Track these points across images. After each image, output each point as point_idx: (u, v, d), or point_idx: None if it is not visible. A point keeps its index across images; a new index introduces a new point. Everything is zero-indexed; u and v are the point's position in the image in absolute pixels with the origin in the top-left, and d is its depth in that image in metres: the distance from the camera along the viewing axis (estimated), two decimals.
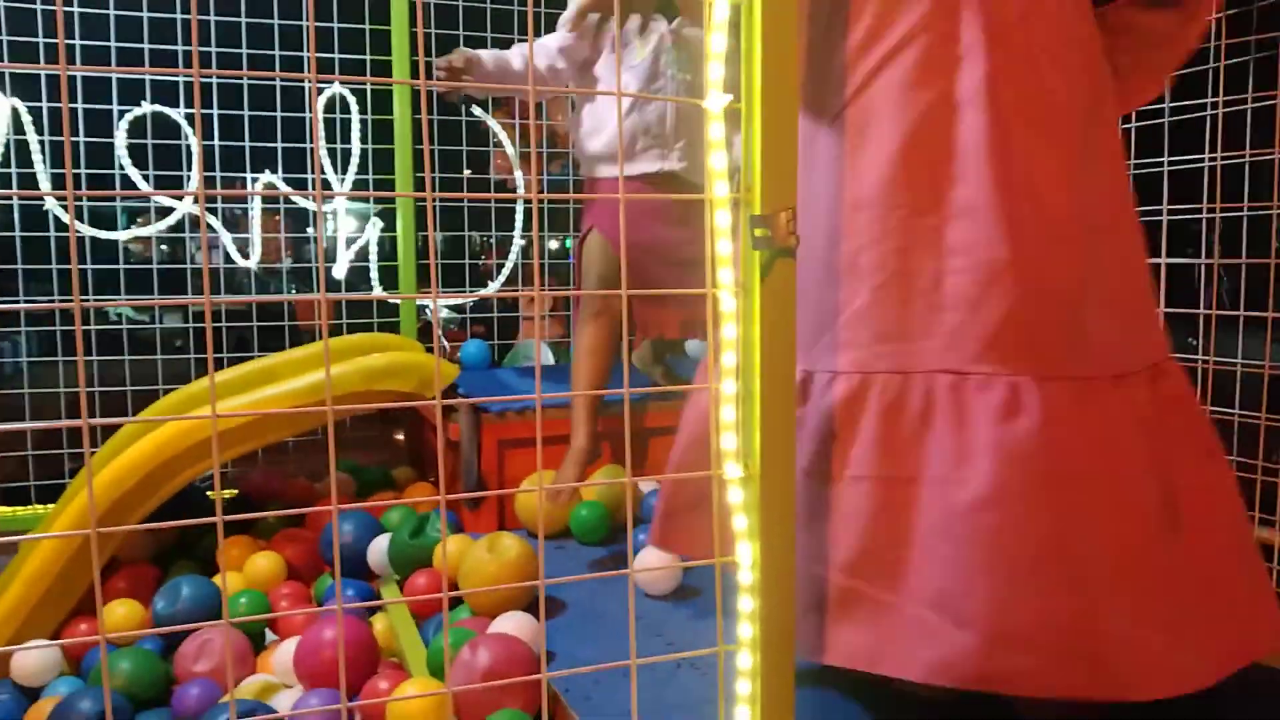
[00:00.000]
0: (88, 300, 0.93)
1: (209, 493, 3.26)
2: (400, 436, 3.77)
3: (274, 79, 3.42)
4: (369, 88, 3.51)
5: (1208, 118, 2.42)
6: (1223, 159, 2.38)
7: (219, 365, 3.36)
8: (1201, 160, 2.43)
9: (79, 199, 3.32)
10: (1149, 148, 2.52)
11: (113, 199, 3.45)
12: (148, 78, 3.31)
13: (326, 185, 3.46)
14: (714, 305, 1.10)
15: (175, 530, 2.91)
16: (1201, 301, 2.42)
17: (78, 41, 3.24)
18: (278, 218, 3.91)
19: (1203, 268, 2.45)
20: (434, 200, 1.01)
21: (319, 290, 1.06)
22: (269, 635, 2.48)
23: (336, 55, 3.49)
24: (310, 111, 3.45)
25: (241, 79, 3.37)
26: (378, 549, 2.54)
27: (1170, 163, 2.52)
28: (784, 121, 1.08)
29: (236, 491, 3.23)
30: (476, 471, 2.70)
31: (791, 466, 1.10)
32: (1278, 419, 2.17)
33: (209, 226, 3.40)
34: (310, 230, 3.76)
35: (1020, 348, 1.29)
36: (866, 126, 1.40)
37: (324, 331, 1.00)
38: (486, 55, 2.47)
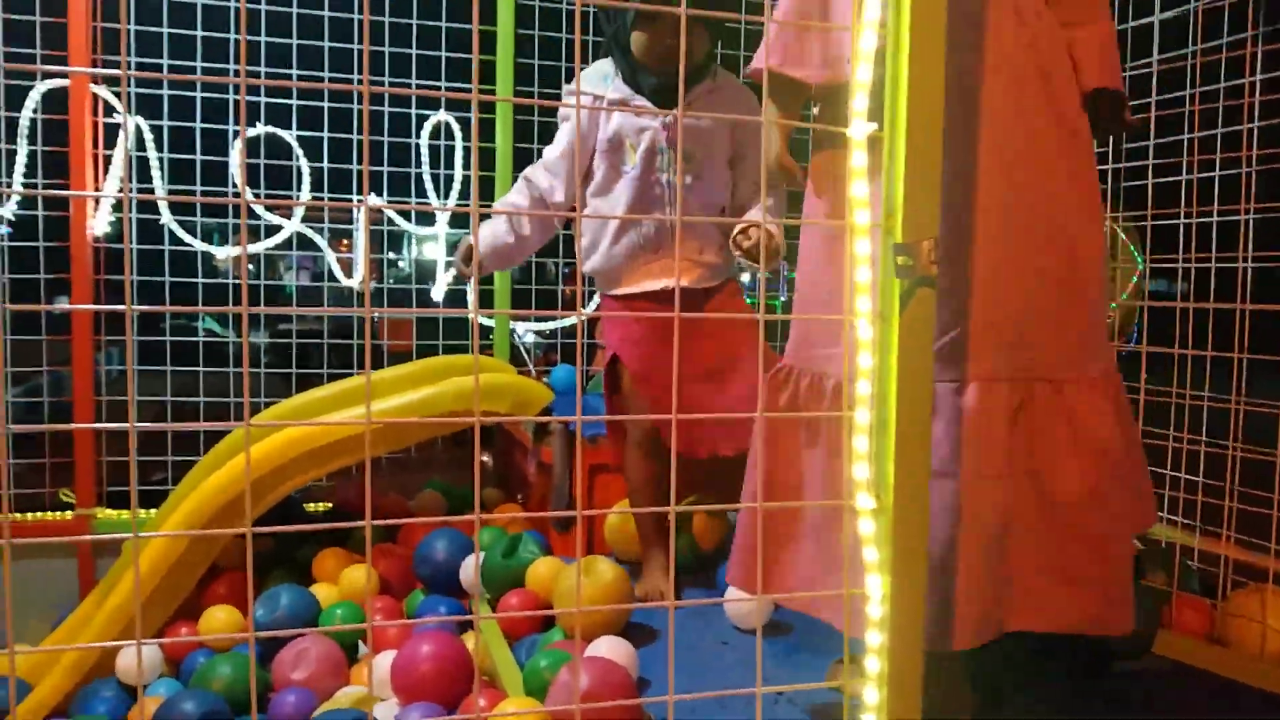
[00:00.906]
0: (255, 309, 0.96)
1: (306, 504, 3.34)
2: (488, 459, 3.81)
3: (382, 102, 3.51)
4: (474, 116, 3.58)
5: None
6: None
7: (319, 381, 3.44)
8: None
9: (190, 214, 3.44)
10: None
11: (223, 217, 3.56)
12: (262, 101, 3.43)
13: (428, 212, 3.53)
14: (851, 333, 1.10)
15: (272, 540, 2.98)
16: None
17: (198, 63, 3.37)
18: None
19: None
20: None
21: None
22: (362, 647, 2.51)
23: (443, 83, 3.58)
24: (415, 138, 3.54)
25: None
26: (469, 568, 2.56)
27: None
28: (928, 151, 1.07)
29: (331, 505, 3.29)
30: (568, 495, 2.71)
31: (925, 500, 1.08)
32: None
33: (313, 246, 3.49)
34: (403, 252, 3.84)
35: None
36: None
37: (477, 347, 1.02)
38: (484, 240, 2.32)
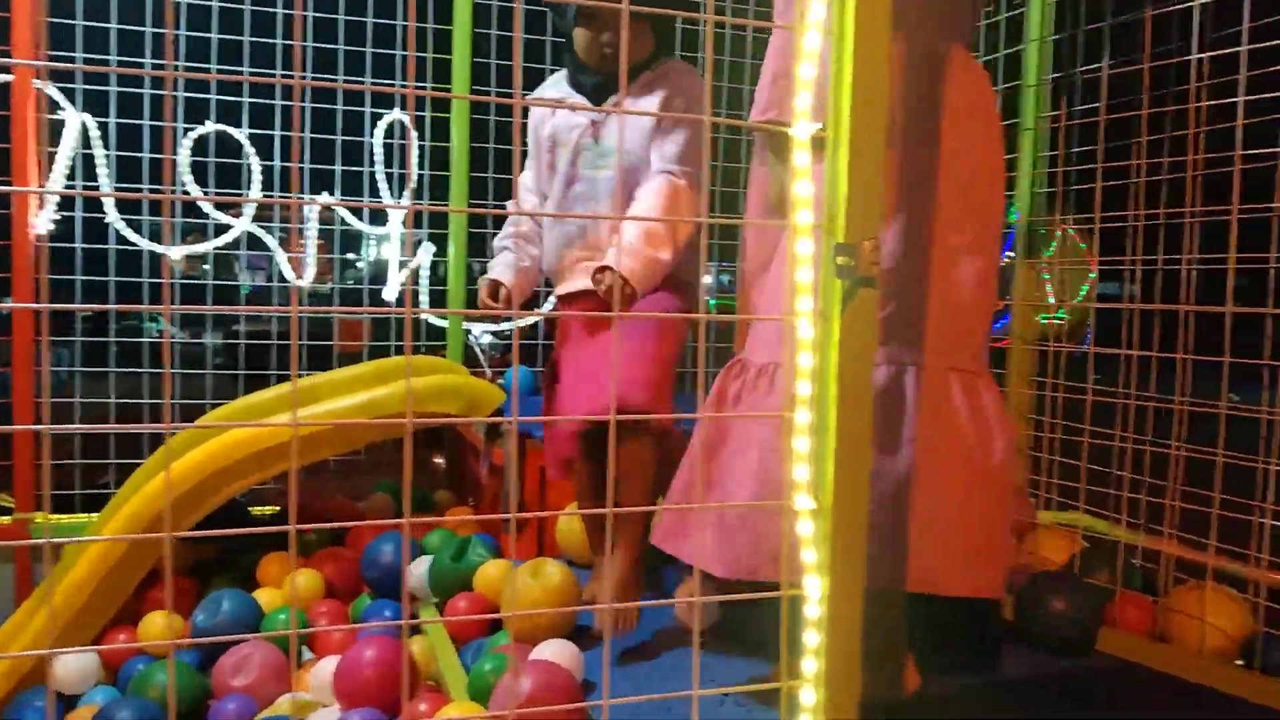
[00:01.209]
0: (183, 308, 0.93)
1: (252, 508, 3.28)
2: (440, 460, 3.77)
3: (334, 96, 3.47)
4: (429, 115, 3.56)
5: None
6: None
7: (266, 383, 3.39)
8: None
9: (137, 213, 3.38)
10: None
11: (171, 216, 3.49)
12: (212, 99, 3.37)
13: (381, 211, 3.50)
14: (791, 333, 1.09)
15: (216, 544, 2.93)
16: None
17: (147, 60, 3.31)
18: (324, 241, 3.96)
19: None
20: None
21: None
22: (306, 653, 2.47)
23: (398, 82, 3.54)
24: (369, 136, 3.50)
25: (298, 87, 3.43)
26: (418, 571, 2.53)
27: None
28: (871, 150, 1.07)
29: (278, 508, 3.24)
30: (520, 498, 2.69)
31: (865, 501, 1.08)
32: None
33: (263, 245, 3.44)
34: (362, 253, 3.79)
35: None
36: None
37: (407, 349, 1.00)
38: (506, 273, 2.25)
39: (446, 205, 3.53)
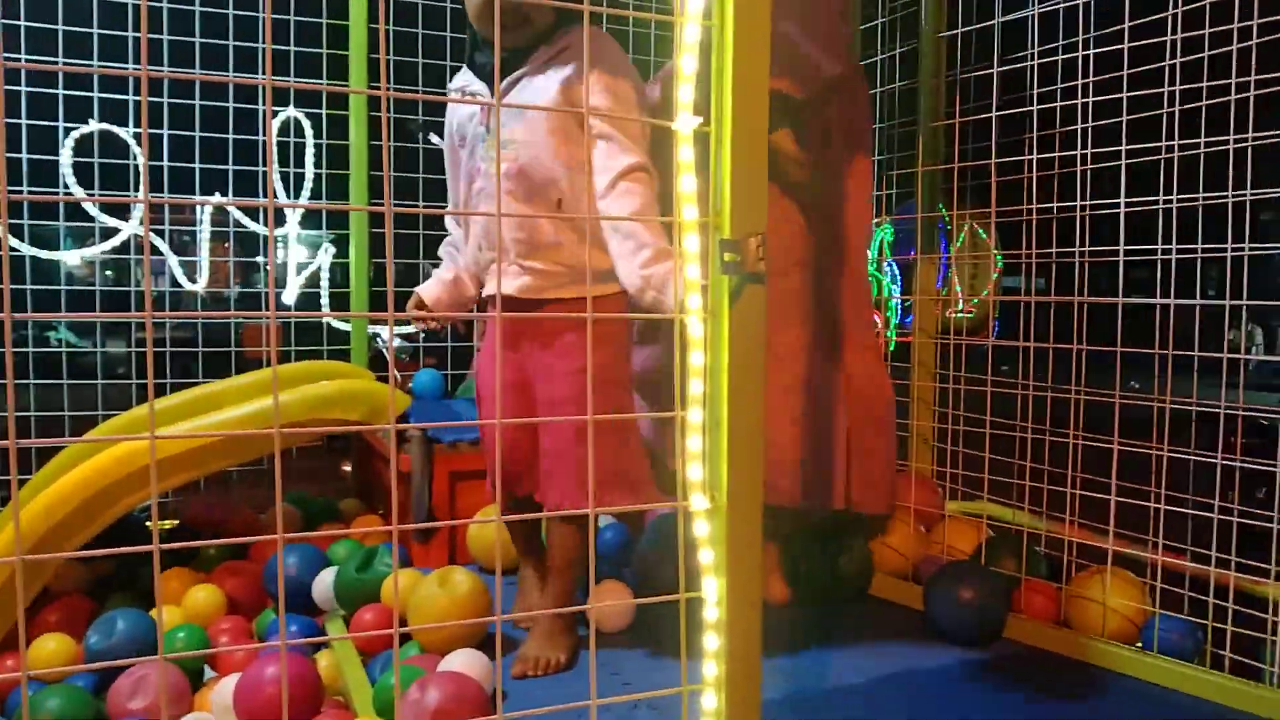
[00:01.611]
0: (23, 315, 0.87)
1: (148, 523, 3.16)
2: (348, 467, 3.68)
3: (226, 89, 3.36)
4: (324, 112, 3.46)
5: None
6: None
7: (161, 392, 3.26)
8: None
9: (17, 217, 3.22)
10: None
11: (55, 219, 3.33)
12: (96, 97, 3.23)
13: (279, 209, 3.39)
14: (681, 331, 1.07)
15: (112, 562, 2.80)
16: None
17: (23, 57, 3.15)
18: (227, 244, 3.84)
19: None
20: (390, 213, 0.97)
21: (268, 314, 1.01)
22: (208, 671, 2.38)
23: (292, 79, 3.44)
24: (264, 134, 3.39)
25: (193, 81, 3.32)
26: (323, 583, 2.46)
27: None
28: (754, 146, 1.06)
29: (177, 522, 3.12)
30: (428, 504, 2.63)
31: (759, 499, 1.06)
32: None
33: (154, 249, 3.31)
34: (260, 256, 3.67)
35: None
36: None
37: (273, 357, 0.95)
38: (429, 288, 2.16)
39: (350, 205, 3.44)
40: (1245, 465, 1.96)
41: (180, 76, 3.20)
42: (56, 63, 3.13)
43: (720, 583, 1.06)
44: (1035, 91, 2.46)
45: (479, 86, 2.05)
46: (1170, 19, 2.14)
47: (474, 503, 2.66)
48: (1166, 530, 2.11)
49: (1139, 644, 2.09)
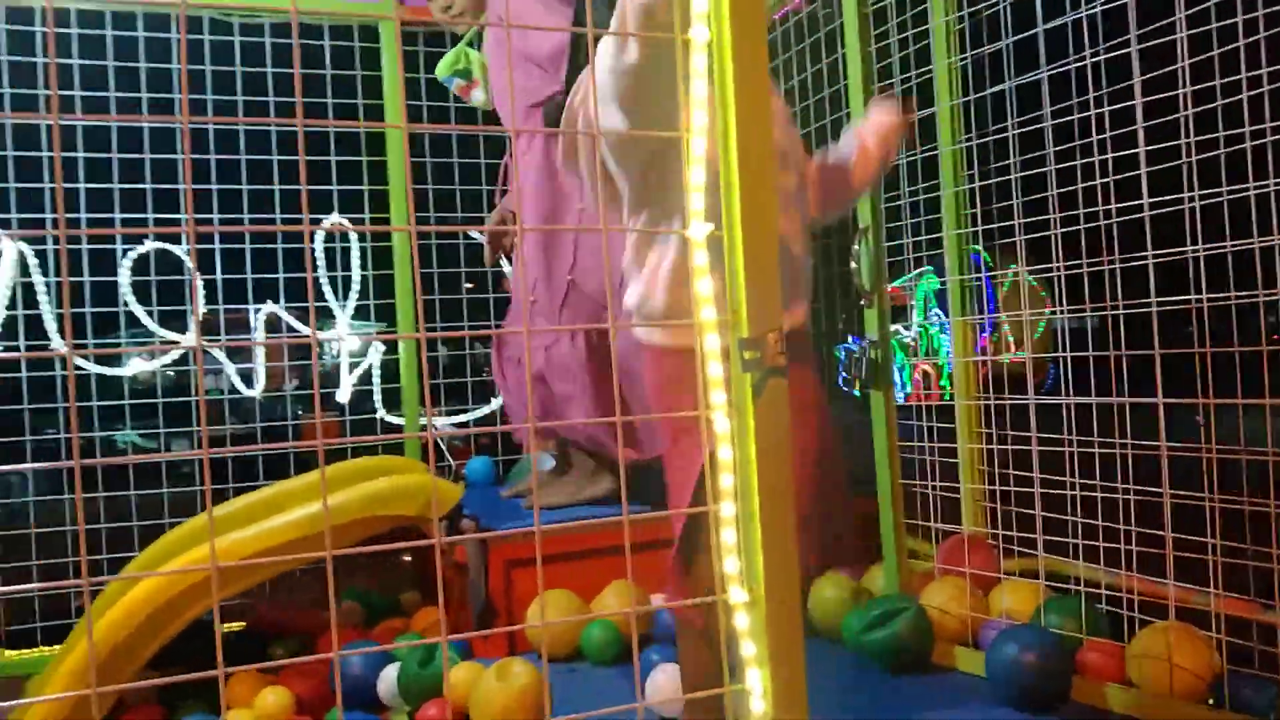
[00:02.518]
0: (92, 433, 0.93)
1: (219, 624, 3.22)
2: (409, 558, 3.73)
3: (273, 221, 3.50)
4: (367, 215, 3.59)
5: None
6: None
7: (224, 496, 3.35)
8: None
9: (81, 335, 3.36)
10: None
11: (118, 334, 3.48)
12: (151, 218, 3.39)
13: (327, 313, 3.51)
14: (709, 428, 1.10)
15: (183, 667, 2.87)
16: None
17: (81, 185, 3.32)
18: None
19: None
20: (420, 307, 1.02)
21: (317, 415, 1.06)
22: None
23: (335, 187, 3.57)
24: (308, 244, 3.51)
25: (242, 219, 3.46)
26: (387, 680, 2.49)
27: None
28: (766, 245, 1.10)
29: (244, 624, 3.18)
30: (485, 595, 2.67)
31: (796, 588, 1.08)
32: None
33: (214, 357, 3.43)
34: (313, 357, 3.78)
35: None
36: None
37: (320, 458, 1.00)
38: None
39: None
40: None
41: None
42: (111, 186, 3.30)
43: (764, 674, 1.08)
44: (1052, 150, 2.49)
45: None
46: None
47: (530, 590, 2.69)
48: (1228, 582, 2.07)
49: (1210, 700, 2.04)
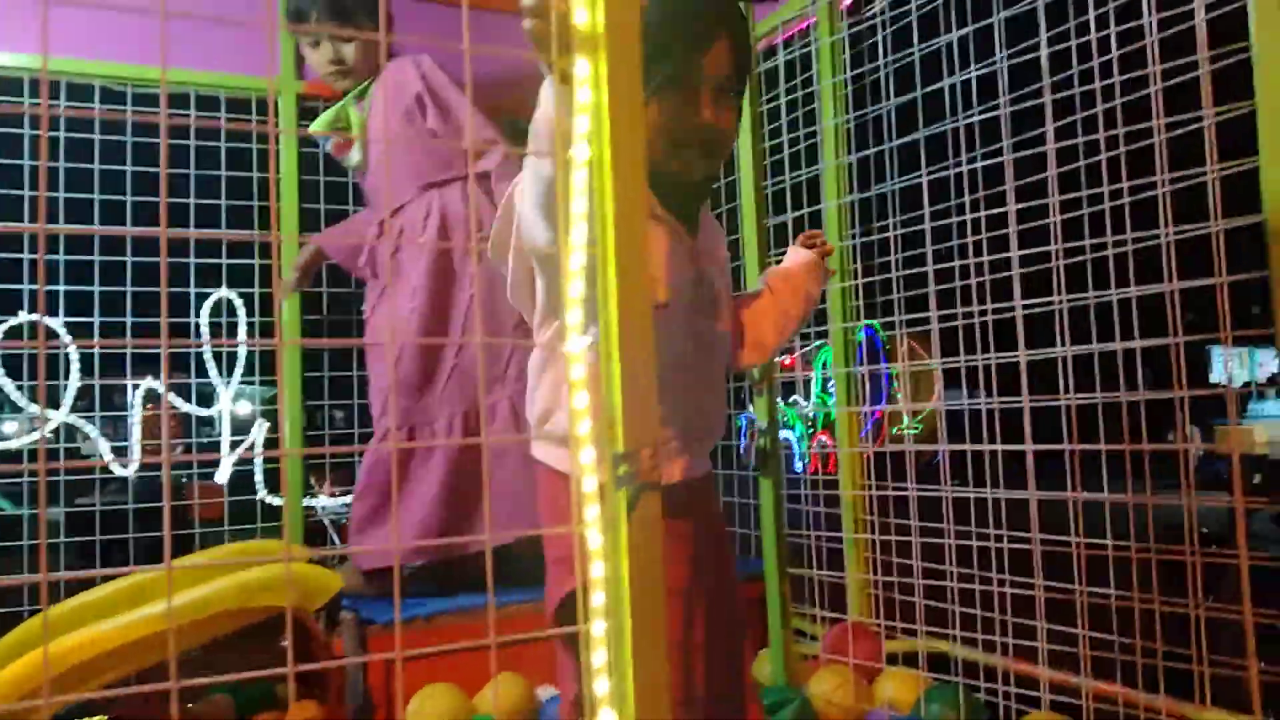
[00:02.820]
0: None
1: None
2: (286, 643, 3.58)
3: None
4: (257, 291, 3.51)
5: None
6: None
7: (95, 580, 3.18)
8: None
9: None
10: None
11: None
12: (25, 289, 3.26)
13: (210, 389, 3.40)
14: (581, 544, 1.10)
15: None
16: None
17: None
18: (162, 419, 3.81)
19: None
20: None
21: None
22: None
23: (224, 261, 3.49)
24: (195, 316, 3.42)
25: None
26: None
27: None
28: (642, 358, 1.10)
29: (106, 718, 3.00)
30: (363, 690, 2.57)
31: (666, 710, 1.07)
32: None
33: (85, 434, 3.29)
34: (194, 437, 3.65)
35: None
36: None
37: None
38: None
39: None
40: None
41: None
42: None
43: None
44: (929, 210, 2.60)
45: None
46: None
47: (412, 685, 2.61)
48: (1099, 673, 2.13)
49: None
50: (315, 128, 3.21)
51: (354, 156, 3.23)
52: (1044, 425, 2.34)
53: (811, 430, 9.27)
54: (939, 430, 2.78)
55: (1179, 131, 2.12)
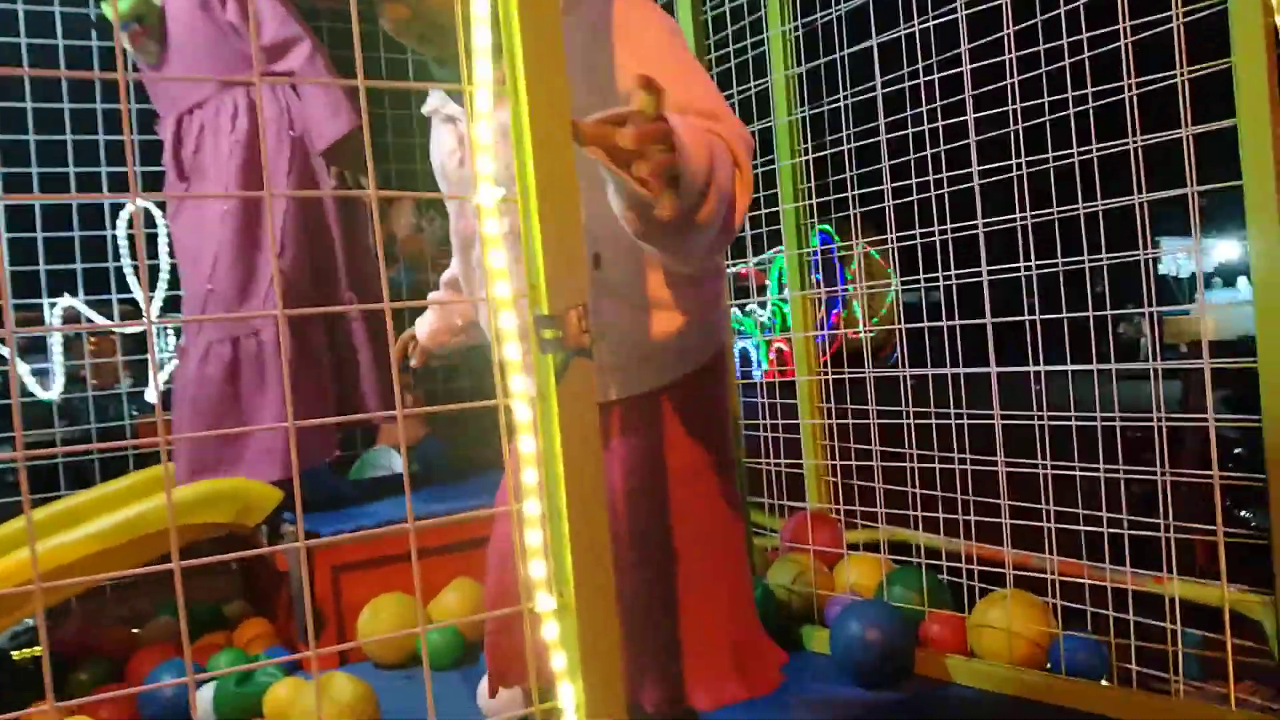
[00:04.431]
0: None
1: (15, 653, 2.93)
2: (235, 566, 3.48)
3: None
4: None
5: None
6: None
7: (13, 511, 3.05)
8: None
9: None
10: None
11: None
12: None
13: (134, 304, 3.23)
14: (508, 417, 0.99)
15: None
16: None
17: None
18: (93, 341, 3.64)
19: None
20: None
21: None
22: None
23: (136, 168, 3.28)
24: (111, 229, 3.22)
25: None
26: (202, 700, 2.29)
27: None
28: (566, 210, 0.99)
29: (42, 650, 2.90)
30: (311, 602, 2.48)
31: (611, 593, 0.98)
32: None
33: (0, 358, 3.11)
34: (119, 356, 3.47)
35: None
36: None
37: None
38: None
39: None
40: (1132, 475, 1.95)
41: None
42: None
43: (576, 687, 0.98)
44: (883, 121, 2.47)
45: (455, 109, 1.44)
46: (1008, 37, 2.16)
47: (361, 596, 2.52)
48: (1061, 546, 2.09)
49: (1048, 665, 2.05)
50: (119, 11, 2.83)
51: (151, 48, 2.95)
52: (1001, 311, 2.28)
53: (769, 337, 9.24)
54: (898, 317, 2.71)
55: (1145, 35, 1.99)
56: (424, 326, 1.83)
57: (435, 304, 1.80)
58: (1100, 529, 1.98)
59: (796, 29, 2.80)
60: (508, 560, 1.48)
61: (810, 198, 2.79)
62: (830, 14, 2.67)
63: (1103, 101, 2.04)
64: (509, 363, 0.98)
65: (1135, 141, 1.94)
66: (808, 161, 2.74)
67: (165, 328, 3.49)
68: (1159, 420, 1.89)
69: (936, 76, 2.34)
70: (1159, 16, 1.92)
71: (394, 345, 1.62)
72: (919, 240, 2.46)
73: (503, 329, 0.98)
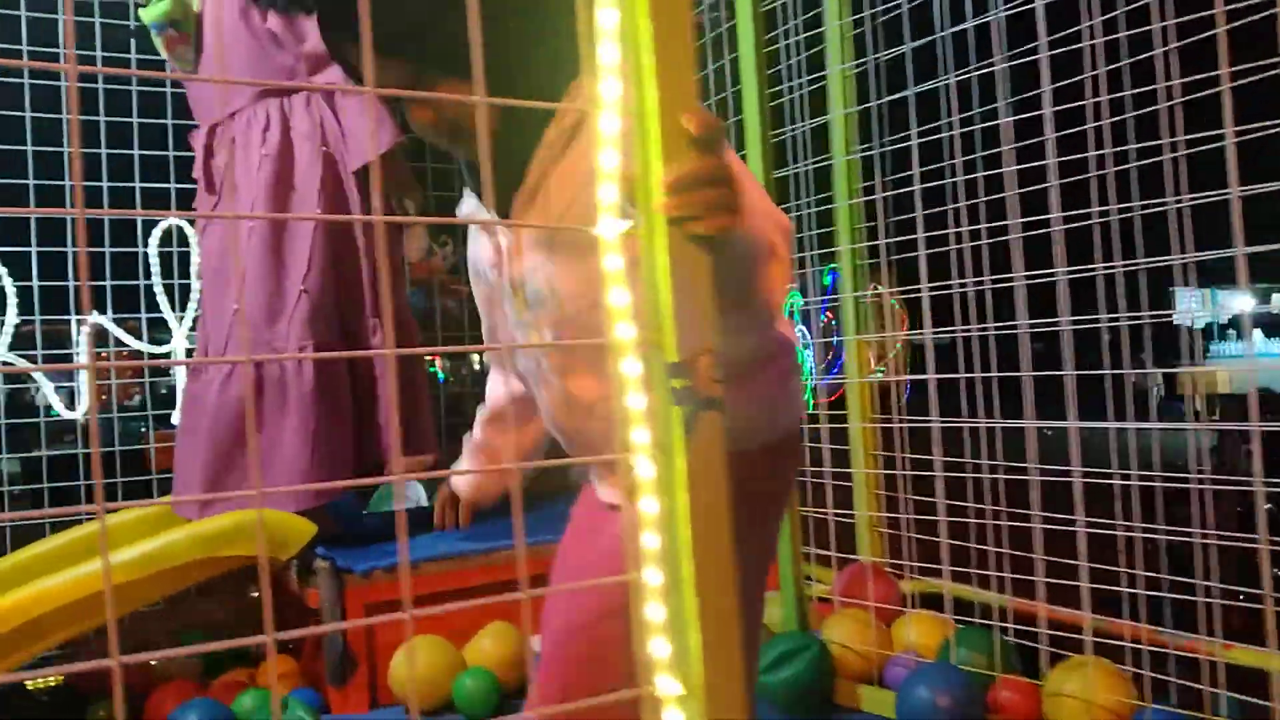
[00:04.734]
0: None
1: (29, 683, 2.82)
2: (256, 594, 3.37)
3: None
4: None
5: None
6: None
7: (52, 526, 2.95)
8: None
9: None
10: None
11: None
12: None
13: (162, 325, 3.14)
14: (628, 474, 0.89)
15: None
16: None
17: None
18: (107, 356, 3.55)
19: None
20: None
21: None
22: None
23: (173, 185, 3.21)
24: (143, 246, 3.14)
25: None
26: None
27: None
28: (694, 245, 0.89)
29: (60, 680, 2.79)
30: (342, 643, 2.38)
31: (740, 675, 0.87)
32: None
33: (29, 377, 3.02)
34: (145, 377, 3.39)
35: None
36: None
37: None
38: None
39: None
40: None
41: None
42: None
43: None
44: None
45: (486, 216, 1.34)
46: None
47: (395, 638, 2.41)
48: (1144, 613, 1.98)
49: None
50: (148, 16, 2.79)
51: (188, 54, 2.88)
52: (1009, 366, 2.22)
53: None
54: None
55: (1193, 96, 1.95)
56: (463, 479, 1.65)
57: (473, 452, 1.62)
58: (1192, 597, 1.87)
59: (856, 66, 2.72)
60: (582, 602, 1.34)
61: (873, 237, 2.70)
62: (888, 54, 2.61)
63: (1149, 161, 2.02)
64: (632, 414, 0.89)
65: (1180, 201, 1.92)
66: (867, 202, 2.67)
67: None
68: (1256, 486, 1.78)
69: (1005, 121, 2.26)
70: (1210, 76, 1.84)
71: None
72: (955, 290, 2.39)
73: (626, 377, 0.89)
